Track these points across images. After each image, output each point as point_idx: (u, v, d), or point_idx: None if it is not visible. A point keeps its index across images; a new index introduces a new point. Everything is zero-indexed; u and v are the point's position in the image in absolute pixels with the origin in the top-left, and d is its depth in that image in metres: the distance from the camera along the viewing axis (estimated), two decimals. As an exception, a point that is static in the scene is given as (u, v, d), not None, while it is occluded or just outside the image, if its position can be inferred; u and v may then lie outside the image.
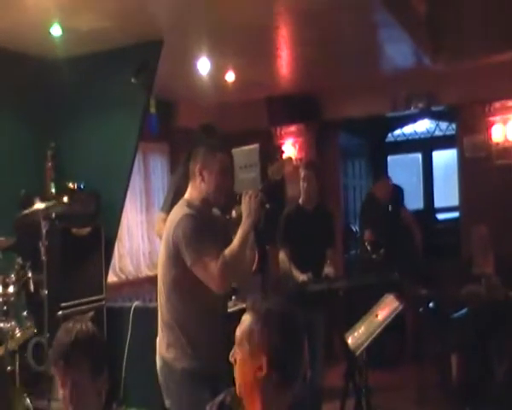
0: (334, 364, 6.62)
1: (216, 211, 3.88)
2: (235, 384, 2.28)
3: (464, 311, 6.53)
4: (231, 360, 2.28)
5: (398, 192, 8.50)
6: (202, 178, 3.65)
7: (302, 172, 6.05)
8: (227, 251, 3.49)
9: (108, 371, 2.69)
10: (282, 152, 9.55)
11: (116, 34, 6.09)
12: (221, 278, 3.44)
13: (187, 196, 3.74)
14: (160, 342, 3.69)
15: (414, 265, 7.62)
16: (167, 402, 3.67)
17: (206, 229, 3.55)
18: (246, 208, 3.56)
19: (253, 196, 3.57)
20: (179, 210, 3.64)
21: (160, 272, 3.70)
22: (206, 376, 3.53)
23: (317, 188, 6.05)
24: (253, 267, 3.85)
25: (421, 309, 7.05)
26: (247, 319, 2.25)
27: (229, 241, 3.58)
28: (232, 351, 2.28)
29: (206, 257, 3.44)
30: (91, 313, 5.85)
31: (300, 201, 6.08)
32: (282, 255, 5.90)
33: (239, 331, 2.26)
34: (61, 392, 2.58)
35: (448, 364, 6.53)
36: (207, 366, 3.55)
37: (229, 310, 4.29)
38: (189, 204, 3.66)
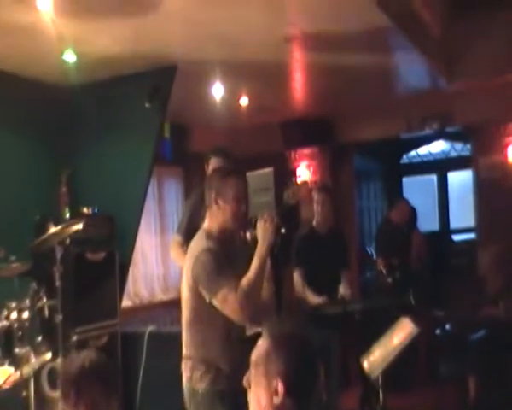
0: (349, 387, 6.57)
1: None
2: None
3: (482, 333, 6.47)
4: (245, 384, 2.26)
5: (413, 214, 8.46)
6: (218, 206, 3.62)
7: (316, 196, 6.04)
8: (244, 280, 3.47)
9: (121, 397, 2.68)
10: (297, 176, 9.55)
11: (130, 60, 6.13)
12: (242, 309, 3.42)
13: (205, 225, 3.71)
14: (184, 365, 3.70)
15: (424, 286, 7.58)
16: None
17: (224, 261, 3.53)
18: (261, 233, 3.52)
19: (269, 220, 3.54)
20: (199, 243, 3.62)
21: (182, 300, 3.70)
22: (227, 396, 3.52)
23: (331, 211, 6.04)
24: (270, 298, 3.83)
25: (437, 331, 6.99)
26: (263, 342, 2.24)
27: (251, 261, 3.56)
28: (247, 375, 2.26)
29: (224, 289, 3.42)
30: (105, 339, 5.84)
31: (314, 223, 6.07)
32: (296, 278, 5.88)
33: (254, 355, 2.25)
34: None
35: (465, 387, 6.46)
36: (228, 386, 3.52)
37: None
38: (208, 235, 3.63)
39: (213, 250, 3.53)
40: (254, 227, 3.57)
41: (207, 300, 3.47)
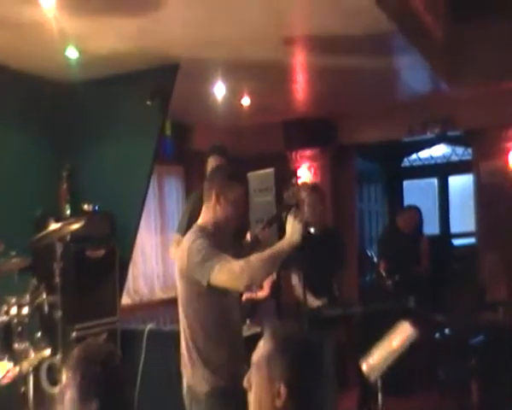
0: (348, 390, 6.56)
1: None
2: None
3: (481, 338, 6.47)
4: (245, 385, 2.24)
5: (420, 219, 8.38)
6: (219, 203, 3.65)
7: (307, 198, 5.98)
8: (254, 255, 3.47)
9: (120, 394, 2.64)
10: (298, 177, 9.53)
11: (132, 57, 6.12)
12: (241, 272, 3.39)
13: (200, 220, 3.74)
14: (184, 366, 3.69)
15: (424, 290, 7.56)
16: None
17: (218, 247, 3.54)
18: (290, 229, 3.52)
19: (299, 218, 3.54)
20: (192, 235, 3.64)
21: (178, 296, 3.71)
22: (228, 398, 3.51)
23: (324, 211, 6.01)
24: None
25: (437, 335, 6.99)
26: (265, 344, 2.21)
27: None
28: (247, 375, 2.24)
29: (222, 261, 3.42)
30: (104, 336, 5.84)
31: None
32: (294, 280, 5.86)
33: (256, 356, 2.22)
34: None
35: (465, 391, 6.46)
36: (228, 387, 3.52)
37: (244, 334, 4.28)
38: (202, 229, 3.66)
39: (206, 239, 3.55)
40: (284, 220, 3.59)
41: (204, 283, 3.43)
